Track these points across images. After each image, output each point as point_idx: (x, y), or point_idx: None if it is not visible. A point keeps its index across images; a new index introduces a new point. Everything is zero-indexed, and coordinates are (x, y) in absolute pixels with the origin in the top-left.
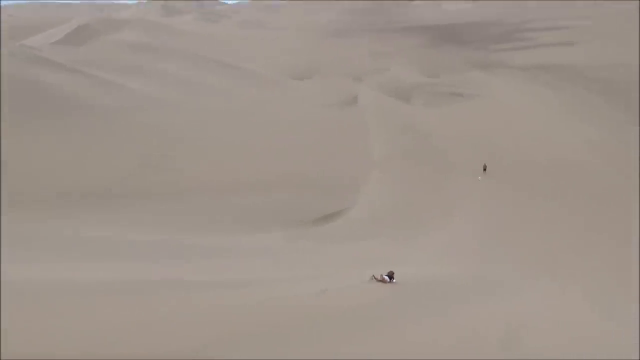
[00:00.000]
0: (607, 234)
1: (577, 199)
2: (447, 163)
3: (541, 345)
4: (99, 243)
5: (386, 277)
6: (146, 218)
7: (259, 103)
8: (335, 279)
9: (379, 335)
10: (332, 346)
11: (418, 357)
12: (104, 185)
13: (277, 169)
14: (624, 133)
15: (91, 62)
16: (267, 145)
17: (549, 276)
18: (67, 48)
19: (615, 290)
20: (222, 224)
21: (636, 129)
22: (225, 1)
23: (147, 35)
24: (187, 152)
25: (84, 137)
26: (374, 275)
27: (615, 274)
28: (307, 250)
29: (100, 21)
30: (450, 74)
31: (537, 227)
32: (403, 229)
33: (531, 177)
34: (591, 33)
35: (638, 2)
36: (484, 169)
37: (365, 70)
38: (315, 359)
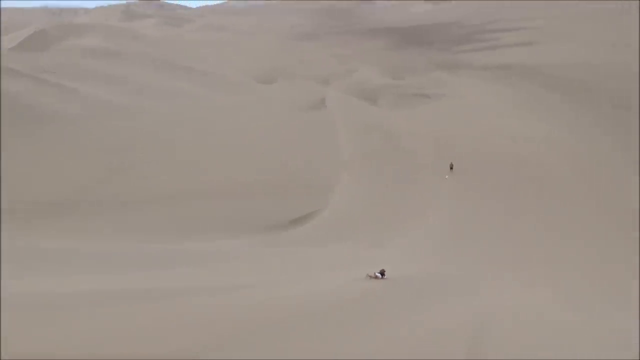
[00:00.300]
0: (568, 230)
1: (539, 196)
2: (415, 163)
3: (510, 341)
4: (80, 254)
5: (379, 275)
6: (119, 227)
7: (226, 108)
8: (320, 281)
9: (373, 331)
10: (330, 343)
11: (407, 354)
12: (72, 195)
13: (247, 173)
14: (581, 130)
15: (52, 69)
16: (236, 150)
17: (517, 271)
18: (26, 55)
19: (579, 282)
20: (196, 230)
21: (588, 124)
22: (188, 5)
23: (108, 41)
24: (155, 160)
25: (48, 146)
26: (368, 274)
27: (578, 267)
28: (284, 253)
29: (58, 26)
30: (415, 75)
31: (504, 223)
32: (375, 230)
33: (496, 175)
34: (549, 33)
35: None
36: (451, 168)
37: (331, 73)
38: (315, 357)
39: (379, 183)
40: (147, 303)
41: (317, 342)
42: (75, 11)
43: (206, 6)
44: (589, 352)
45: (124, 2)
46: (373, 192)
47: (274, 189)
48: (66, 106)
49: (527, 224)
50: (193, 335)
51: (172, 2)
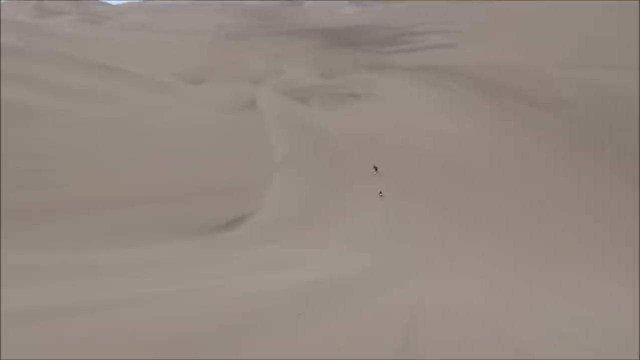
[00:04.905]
0: (493, 223)
1: (466, 191)
2: (346, 162)
3: (440, 334)
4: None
5: None
6: (35, 237)
7: (151, 109)
8: (252, 283)
9: (300, 336)
10: (257, 349)
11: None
12: None
13: (174, 177)
14: (502, 128)
15: None
16: (161, 154)
17: (446, 264)
18: None
19: (507, 272)
20: (125, 238)
21: (508, 122)
22: (107, 1)
23: (20, 39)
24: (73, 166)
25: None
26: None
27: (505, 259)
28: (214, 258)
29: None
30: (344, 75)
31: (432, 219)
32: (309, 229)
33: (425, 172)
34: (470, 36)
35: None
36: (375, 170)
37: (261, 73)
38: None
39: (312, 183)
40: (74, 316)
41: (246, 349)
42: None
43: (127, 3)
44: (520, 341)
45: None
46: (306, 193)
47: (205, 192)
48: None
49: (455, 219)
50: (123, 348)
51: None
